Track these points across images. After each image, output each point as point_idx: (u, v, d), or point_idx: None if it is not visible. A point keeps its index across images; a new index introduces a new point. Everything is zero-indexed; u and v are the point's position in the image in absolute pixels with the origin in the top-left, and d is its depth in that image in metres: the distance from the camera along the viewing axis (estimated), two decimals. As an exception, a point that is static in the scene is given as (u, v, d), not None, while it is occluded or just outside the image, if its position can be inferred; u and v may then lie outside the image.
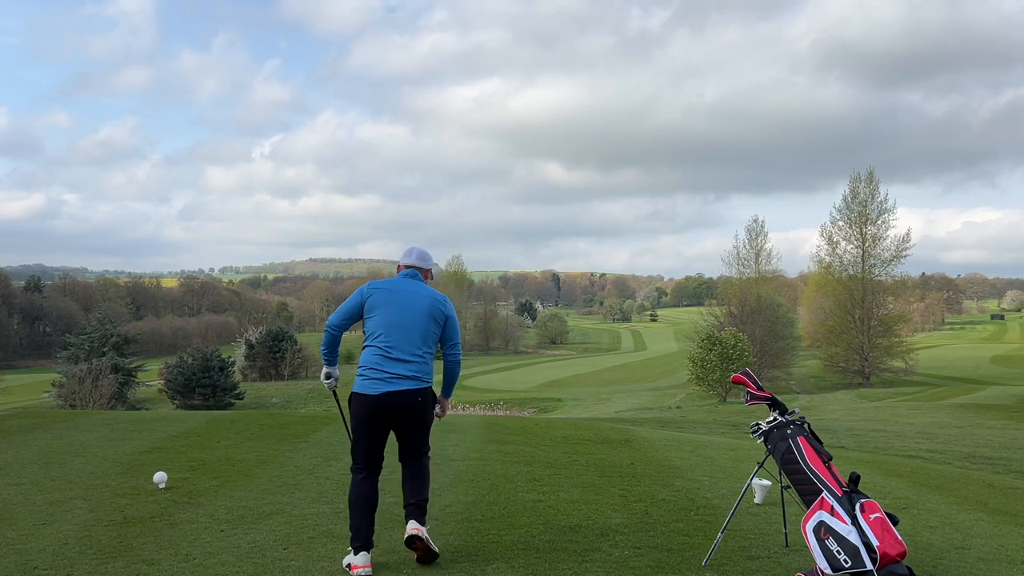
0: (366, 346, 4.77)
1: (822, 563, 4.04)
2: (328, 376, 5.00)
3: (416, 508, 4.65)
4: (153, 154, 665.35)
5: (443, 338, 4.87)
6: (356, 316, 4.86)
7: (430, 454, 4.97)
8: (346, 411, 4.94)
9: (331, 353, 4.94)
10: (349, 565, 4.43)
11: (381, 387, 4.60)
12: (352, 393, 4.70)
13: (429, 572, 4.40)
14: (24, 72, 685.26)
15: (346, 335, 5.05)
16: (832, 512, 4.11)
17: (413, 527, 4.53)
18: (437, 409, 4.94)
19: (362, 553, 4.42)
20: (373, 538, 4.54)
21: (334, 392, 5.17)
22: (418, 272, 4.99)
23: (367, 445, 4.69)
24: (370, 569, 4.38)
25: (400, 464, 4.86)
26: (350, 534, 4.52)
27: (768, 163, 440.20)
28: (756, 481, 6.08)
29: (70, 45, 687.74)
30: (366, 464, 4.71)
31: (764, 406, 4.81)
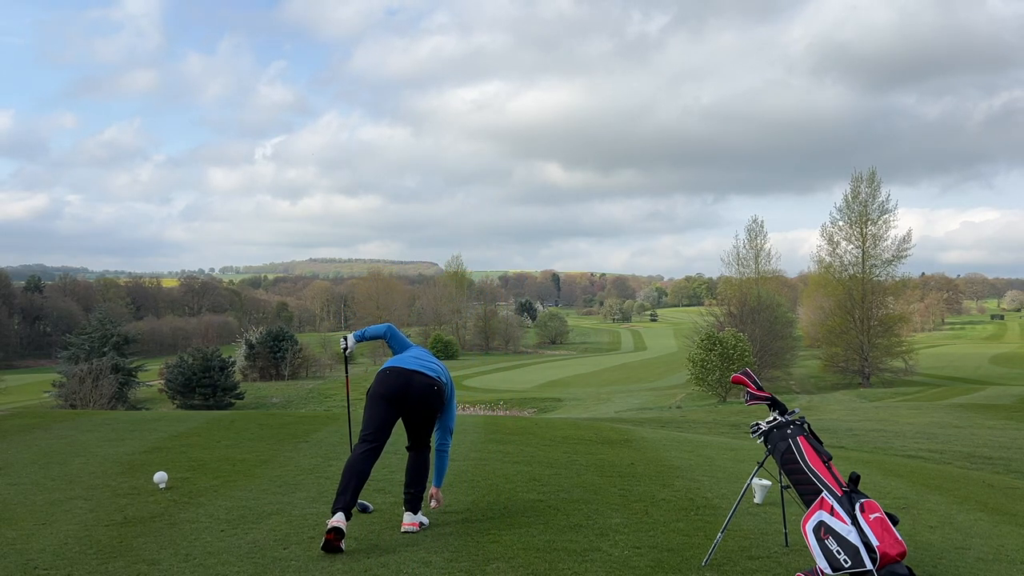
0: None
1: (822, 563, 4.04)
2: (344, 339, 5.84)
3: (414, 497, 5.29)
4: (156, 155, 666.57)
5: (442, 417, 5.54)
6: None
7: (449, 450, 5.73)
8: (356, 394, 5.69)
9: (363, 337, 5.76)
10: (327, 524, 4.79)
11: (415, 366, 5.32)
12: (384, 368, 5.33)
13: (429, 571, 4.40)
14: (31, 74, 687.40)
15: (361, 346, 6.08)
16: (832, 512, 4.11)
17: (409, 521, 5.21)
18: (433, 503, 5.60)
19: (339, 514, 4.74)
20: (353, 510, 4.92)
21: (345, 356, 5.96)
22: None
23: (382, 417, 5.16)
24: (342, 526, 4.68)
25: (407, 453, 5.46)
26: (335, 498, 4.89)
27: (766, 165, 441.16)
28: (756, 481, 6.08)
29: (76, 48, 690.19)
30: (374, 436, 5.09)
31: (764, 406, 4.81)
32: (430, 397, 5.27)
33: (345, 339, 5.85)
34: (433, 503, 5.63)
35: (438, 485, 5.65)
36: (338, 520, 4.69)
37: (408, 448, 5.46)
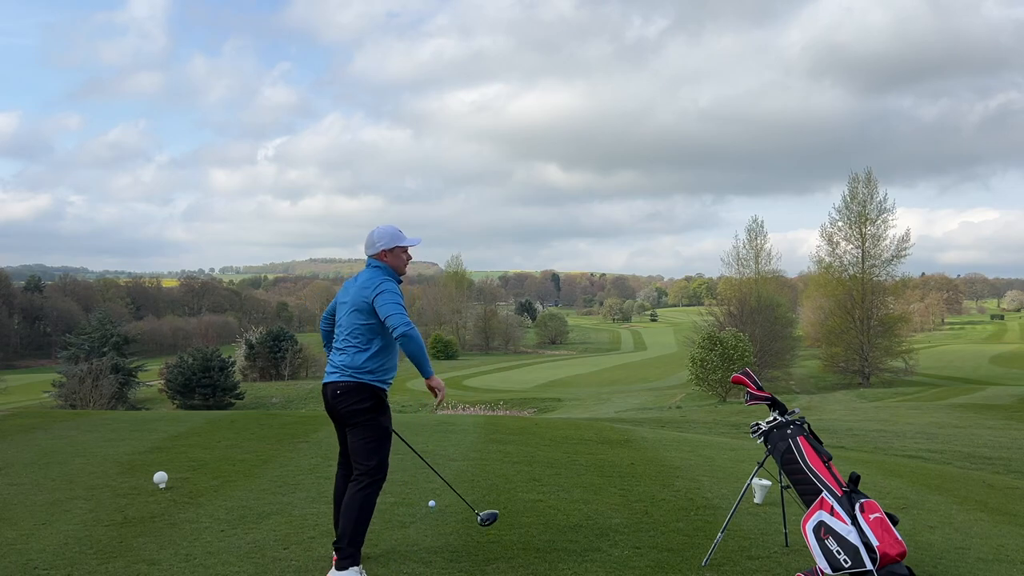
0: None
1: (822, 563, 4.04)
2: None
3: (336, 551, 4.32)
4: (159, 156, 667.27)
5: (383, 322, 4.40)
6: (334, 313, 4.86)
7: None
8: None
9: (326, 345, 4.97)
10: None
11: (330, 378, 4.56)
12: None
13: (429, 571, 4.40)
14: (36, 76, 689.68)
15: None
16: (832, 512, 4.11)
17: None
18: (438, 397, 4.42)
19: (351, 571, 4.28)
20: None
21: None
22: (372, 260, 4.66)
23: (338, 436, 4.75)
24: None
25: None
26: (337, 537, 4.52)
27: (764, 166, 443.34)
28: (756, 481, 6.08)
29: (82, 50, 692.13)
30: (343, 456, 4.77)
31: (764, 406, 4.81)
32: (338, 404, 4.45)
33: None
34: (439, 397, 4.42)
35: (427, 376, 4.40)
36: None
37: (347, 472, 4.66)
